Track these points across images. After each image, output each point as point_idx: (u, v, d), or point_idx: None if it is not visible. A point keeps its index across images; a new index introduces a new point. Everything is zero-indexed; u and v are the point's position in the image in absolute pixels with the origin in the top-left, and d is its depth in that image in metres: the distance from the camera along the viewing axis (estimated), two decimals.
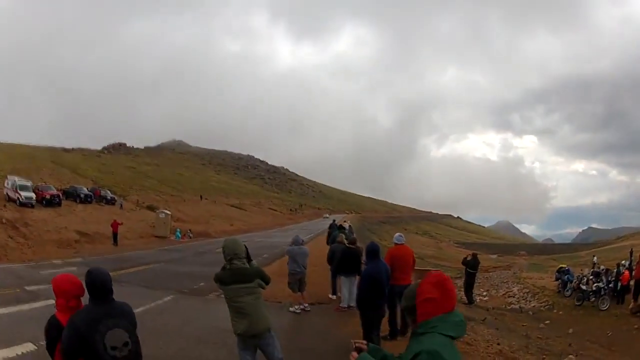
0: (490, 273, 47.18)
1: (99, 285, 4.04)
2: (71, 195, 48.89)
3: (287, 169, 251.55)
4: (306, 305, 13.12)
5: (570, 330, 20.79)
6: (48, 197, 41.63)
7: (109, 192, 57.46)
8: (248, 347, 5.96)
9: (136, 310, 4.53)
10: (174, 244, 40.01)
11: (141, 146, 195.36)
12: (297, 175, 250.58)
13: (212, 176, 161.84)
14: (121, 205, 54.08)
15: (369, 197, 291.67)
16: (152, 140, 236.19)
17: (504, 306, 28.43)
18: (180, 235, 46.28)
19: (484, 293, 34.62)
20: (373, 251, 8.90)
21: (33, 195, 39.44)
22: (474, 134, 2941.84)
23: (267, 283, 6.01)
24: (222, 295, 6.17)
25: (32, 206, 38.30)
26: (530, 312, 25.91)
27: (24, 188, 39.16)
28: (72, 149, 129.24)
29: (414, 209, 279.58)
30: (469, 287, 23.05)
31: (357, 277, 11.55)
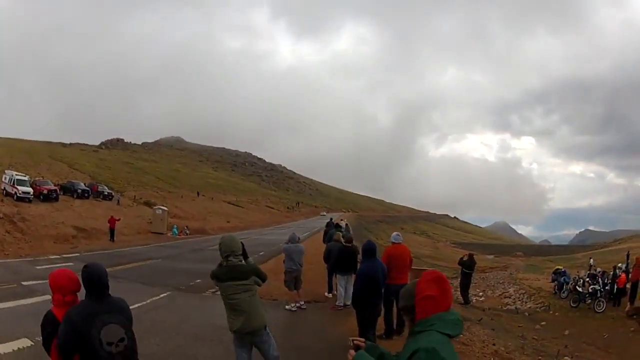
0: (487, 273, 47.23)
1: (95, 280, 4.04)
2: (68, 190, 48.68)
3: (284, 167, 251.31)
4: (302, 303, 13.13)
5: (566, 332, 20.83)
6: (45, 192, 41.50)
7: (106, 187, 57.18)
8: (244, 344, 5.95)
9: (133, 307, 4.54)
10: (170, 241, 40.02)
11: (139, 142, 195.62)
12: (294, 173, 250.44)
13: (210, 173, 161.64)
14: (118, 201, 53.96)
15: (366, 196, 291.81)
16: (150, 136, 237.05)
17: (500, 307, 28.48)
18: (177, 232, 46.22)
19: (480, 293, 34.69)
20: (370, 250, 8.89)
21: (30, 190, 39.32)
22: (472, 134, 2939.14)
23: (263, 280, 6.01)
24: (219, 292, 6.17)
25: (30, 201, 38.21)
26: (526, 313, 25.95)
27: (21, 183, 39.00)
28: (70, 144, 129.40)
29: (412, 208, 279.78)
30: (465, 287, 23.05)
31: (353, 276, 11.55)
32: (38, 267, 20.05)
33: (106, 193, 54.46)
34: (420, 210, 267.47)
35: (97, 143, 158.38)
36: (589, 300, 24.06)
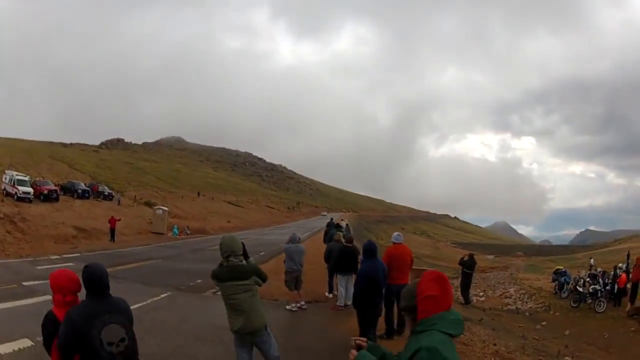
0: (487, 274, 47.27)
1: (95, 280, 4.03)
2: (69, 190, 48.66)
3: (285, 167, 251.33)
4: (303, 303, 13.12)
5: (567, 332, 20.82)
6: (46, 192, 41.46)
7: (106, 187, 57.13)
8: (245, 344, 5.95)
9: (133, 307, 4.53)
10: (171, 241, 39.99)
11: (139, 142, 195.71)
12: (294, 173, 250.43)
13: (210, 173, 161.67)
14: (119, 201, 53.96)
15: (366, 196, 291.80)
16: (150, 136, 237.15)
17: (500, 307, 28.48)
18: (177, 232, 46.20)
19: (481, 293, 34.69)
20: (370, 250, 8.89)
21: (31, 190, 39.28)
22: (472, 134, 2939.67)
23: (263, 280, 6.01)
24: (219, 292, 6.17)
25: (30, 201, 38.19)
26: (527, 313, 25.94)
27: (21, 183, 38.97)
28: (70, 144, 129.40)
29: (412, 208, 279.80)
30: (465, 287, 23.04)
31: (354, 276, 11.54)
32: (38, 268, 20.04)
33: (106, 193, 54.43)
34: (421, 210, 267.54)
35: (98, 143, 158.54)
36: (590, 300, 24.05)
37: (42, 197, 40.57)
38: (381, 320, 9.36)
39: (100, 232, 36.68)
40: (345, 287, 12.71)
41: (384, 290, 8.95)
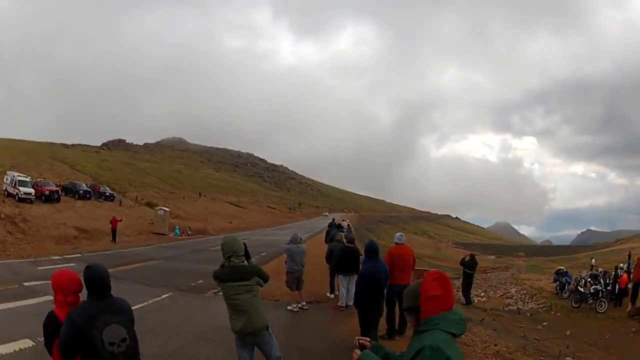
0: (489, 274, 47.21)
1: (97, 281, 4.04)
2: (70, 191, 48.68)
3: (286, 167, 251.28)
4: (304, 303, 13.12)
5: (568, 332, 20.80)
6: (47, 192, 41.45)
7: (108, 188, 57.17)
8: (246, 344, 5.96)
9: (134, 307, 4.54)
10: (172, 241, 39.98)
11: (141, 143, 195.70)
12: (296, 173, 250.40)
13: (211, 174, 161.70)
14: (120, 202, 53.96)
15: (367, 196, 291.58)
16: (152, 137, 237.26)
17: (501, 307, 28.44)
18: (179, 233, 46.19)
19: (482, 294, 34.65)
20: (372, 250, 8.89)
21: (32, 190, 39.28)
22: (473, 134, 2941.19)
23: (265, 281, 6.01)
24: (220, 293, 6.18)
25: (31, 202, 38.18)
26: (528, 314, 25.91)
27: (23, 184, 38.98)
28: (72, 145, 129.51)
29: (413, 208, 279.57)
30: (466, 287, 23.04)
31: (355, 276, 11.55)
32: (40, 268, 20.06)
33: (108, 194, 54.44)
34: (422, 211, 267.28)
35: (99, 144, 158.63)
36: (591, 301, 24.00)
37: (43, 198, 40.55)
38: (382, 321, 9.37)
39: (101, 232, 36.71)
40: (346, 288, 12.71)
41: (385, 291, 8.97)
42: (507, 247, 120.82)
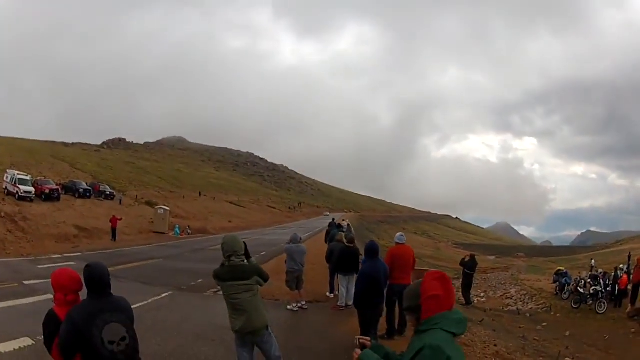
0: (488, 274, 47.18)
1: (97, 279, 4.04)
2: (70, 190, 48.69)
3: (286, 167, 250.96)
4: (304, 303, 13.13)
5: (568, 333, 20.81)
6: (47, 191, 41.46)
7: (108, 187, 57.14)
8: (246, 344, 5.96)
9: (134, 306, 4.54)
10: (172, 240, 40.05)
11: (141, 142, 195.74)
12: (296, 173, 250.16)
13: (212, 173, 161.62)
14: (120, 201, 53.95)
15: (367, 196, 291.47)
16: (152, 136, 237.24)
17: (501, 308, 28.44)
18: (178, 232, 46.24)
19: (482, 294, 34.64)
20: (372, 250, 8.89)
21: (32, 189, 39.25)
22: (474, 134, 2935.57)
23: (265, 280, 6.02)
24: (220, 292, 6.19)
25: (31, 200, 38.18)
26: (528, 314, 25.92)
27: (23, 182, 38.98)
28: (72, 144, 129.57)
29: (413, 208, 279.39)
30: (466, 287, 23.05)
31: (355, 276, 11.55)
32: (39, 267, 20.10)
33: (108, 193, 54.43)
34: (422, 211, 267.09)
35: (99, 143, 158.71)
36: (591, 302, 24.01)
37: (43, 197, 40.57)
38: (382, 321, 9.37)
39: (101, 231, 36.75)
40: (346, 287, 12.72)
41: (385, 291, 8.97)
42: (507, 247, 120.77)
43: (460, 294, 22.60)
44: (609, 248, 71.90)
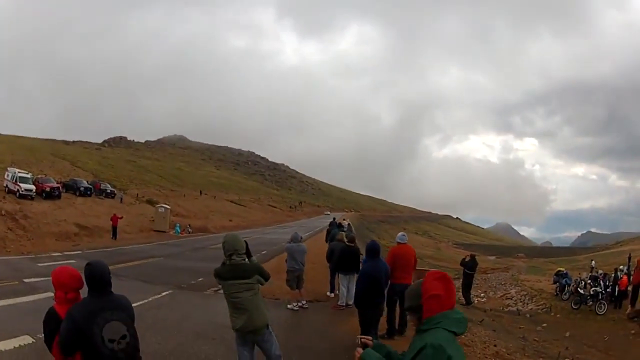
0: (489, 275, 47.16)
1: (97, 277, 4.04)
2: (71, 188, 48.76)
3: (287, 166, 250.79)
4: (304, 302, 13.13)
5: (567, 334, 20.79)
6: (48, 189, 41.46)
7: (109, 185, 57.17)
8: (246, 343, 5.97)
9: (134, 305, 4.55)
10: (173, 239, 40.07)
11: (142, 140, 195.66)
12: (297, 172, 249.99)
13: (212, 172, 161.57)
14: (121, 199, 53.95)
15: (368, 196, 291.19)
16: (153, 134, 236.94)
17: (501, 308, 28.43)
18: (179, 230, 46.28)
19: (482, 294, 34.63)
20: (373, 250, 8.90)
21: (33, 187, 39.27)
22: (475, 135, 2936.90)
23: (266, 279, 6.02)
24: (220, 291, 6.19)
25: (32, 198, 38.16)
26: (528, 315, 25.90)
27: (23, 180, 39.03)
28: (73, 142, 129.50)
29: (414, 208, 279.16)
30: (466, 288, 23.03)
31: (356, 276, 11.55)
32: (40, 265, 20.10)
33: (109, 191, 54.43)
34: (423, 211, 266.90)
35: (100, 141, 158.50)
36: (590, 302, 23.99)
37: (44, 195, 40.56)
38: (382, 320, 9.37)
39: (102, 229, 36.73)
40: (346, 287, 12.71)
41: (385, 290, 8.97)
42: (507, 248, 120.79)
43: (461, 294, 22.59)
44: (609, 249, 71.91)
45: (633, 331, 19.57)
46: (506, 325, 20.63)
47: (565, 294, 27.67)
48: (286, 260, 13.07)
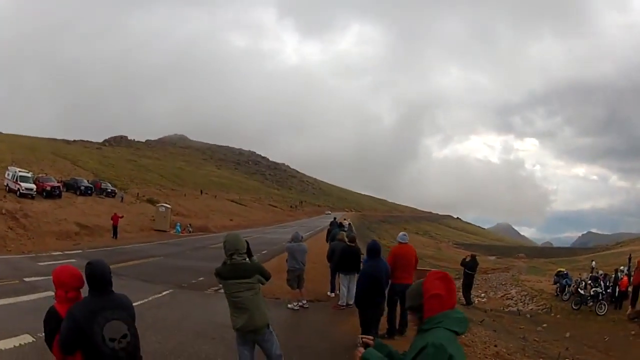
0: (489, 275, 47.16)
1: (98, 277, 4.04)
2: (72, 187, 48.78)
3: (288, 166, 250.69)
4: (304, 302, 13.13)
5: (568, 334, 20.78)
6: (48, 188, 41.45)
7: (109, 184, 57.18)
8: (247, 342, 5.97)
9: (135, 304, 4.55)
10: (173, 238, 40.10)
11: (143, 139, 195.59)
12: (297, 172, 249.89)
13: (213, 171, 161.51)
14: (122, 198, 53.96)
15: (369, 196, 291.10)
16: (154, 133, 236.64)
17: (502, 308, 28.42)
18: (180, 230, 46.31)
19: (482, 295, 34.62)
20: (374, 250, 8.91)
21: (33, 186, 39.28)
22: (475, 135, 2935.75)
23: (267, 279, 6.02)
24: (221, 290, 6.20)
25: (33, 197, 38.18)
26: (528, 315, 25.88)
27: (24, 179, 39.05)
28: (74, 141, 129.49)
29: (415, 208, 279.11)
30: (467, 288, 23.04)
31: (356, 275, 11.55)
32: (40, 264, 20.10)
33: (109, 190, 54.42)
34: (423, 211, 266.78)
35: (101, 140, 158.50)
36: (591, 303, 23.98)
37: (44, 194, 40.56)
38: (383, 320, 9.38)
39: (102, 229, 36.74)
40: (347, 287, 12.70)
41: (386, 290, 8.97)
42: (507, 248, 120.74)
43: (461, 294, 22.59)
44: (610, 250, 71.87)
45: (633, 332, 19.55)
46: (506, 326, 20.63)
47: (565, 294, 27.65)
48: (287, 260, 13.07)
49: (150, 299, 13.36)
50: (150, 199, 61.09)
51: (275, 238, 39.68)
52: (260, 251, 25.72)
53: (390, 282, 9.29)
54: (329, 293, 15.01)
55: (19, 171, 40.26)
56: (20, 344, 8.35)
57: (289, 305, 12.89)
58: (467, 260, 23.25)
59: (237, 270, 5.75)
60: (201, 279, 17.19)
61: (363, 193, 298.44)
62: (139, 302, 11.57)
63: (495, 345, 12.54)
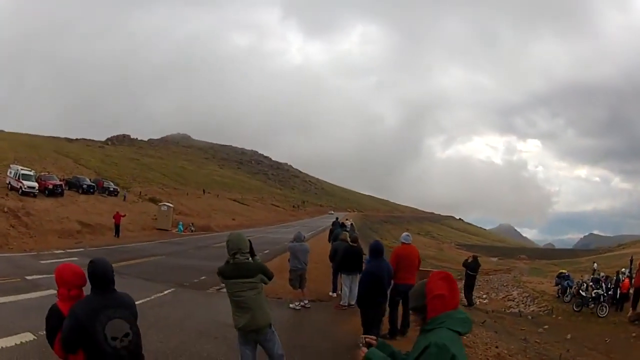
0: (491, 276, 47.18)
1: (100, 275, 4.05)
2: (74, 185, 48.86)
3: (290, 166, 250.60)
4: (306, 302, 13.13)
5: (569, 336, 20.74)
6: (51, 186, 41.56)
7: (112, 183, 57.28)
8: (248, 342, 5.97)
9: (137, 303, 4.54)
10: (175, 237, 40.14)
11: (145, 138, 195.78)
12: (300, 171, 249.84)
13: (216, 170, 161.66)
14: (124, 197, 54.01)
15: (371, 196, 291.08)
16: (157, 132, 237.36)
17: (503, 309, 28.40)
18: (182, 229, 46.33)
19: (484, 296, 34.63)
20: (377, 250, 8.92)
21: (36, 184, 39.37)
22: (478, 136, 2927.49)
23: (269, 278, 6.02)
24: (223, 289, 6.20)
25: (35, 196, 38.28)
26: (529, 317, 25.85)
27: (26, 177, 39.11)
28: (76, 140, 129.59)
29: (416, 209, 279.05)
30: (468, 289, 23.03)
31: (359, 276, 11.55)
32: (42, 262, 20.13)
33: (112, 189, 54.48)
34: (425, 211, 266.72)
35: (103, 139, 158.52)
36: (592, 305, 23.94)
37: (46, 192, 40.68)
38: (385, 320, 9.38)
39: (104, 227, 36.81)
40: (349, 287, 12.71)
41: (388, 291, 8.98)
42: (509, 249, 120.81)
43: (462, 295, 22.58)
44: (612, 252, 71.83)
45: (634, 334, 19.53)
46: (508, 327, 20.60)
47: (567, 296, 27.62)
48: (289, 260, 13.10)
49: (152, 297, 13.38)
50: (153, 197, 61.22)
51: (278, 238, 39.70)
52: (262, 251, 25.68)
53: (393, 282, 9.30)
54: (330, 293, 15.02)
55: (22, 169, 40.36)
56: (21, 342, 8.35)
57: (291, 305, 12.90)
58: (468, 261, 23.25)
59: (240, 270, 5.75)
60: (203, 278, 17.22)
61: (365, 193, 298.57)
62: (141, 301, 11.59)
63: (497, 347, 12.53)
